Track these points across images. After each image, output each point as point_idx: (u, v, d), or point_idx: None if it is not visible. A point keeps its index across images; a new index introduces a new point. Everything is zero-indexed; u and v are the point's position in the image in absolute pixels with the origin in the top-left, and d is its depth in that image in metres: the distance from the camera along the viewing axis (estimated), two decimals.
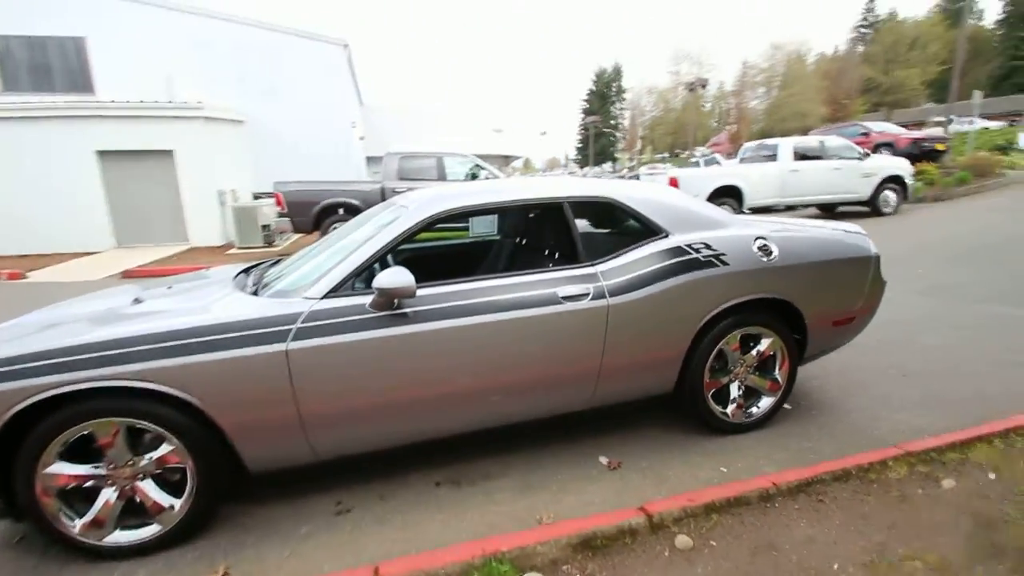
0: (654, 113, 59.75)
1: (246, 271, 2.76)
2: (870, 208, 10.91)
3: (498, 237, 3.56)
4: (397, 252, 2.97)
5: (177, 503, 2.00)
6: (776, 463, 2.34)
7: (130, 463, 1.94)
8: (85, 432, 1.85)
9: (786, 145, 10.94)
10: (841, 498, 2.01)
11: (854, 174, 10.81)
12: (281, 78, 14.76)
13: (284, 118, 14.81)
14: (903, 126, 19.55)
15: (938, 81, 43.59)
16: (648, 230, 2.50)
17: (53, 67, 14.01)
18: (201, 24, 14.29)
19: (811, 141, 11.40)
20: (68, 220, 11.70)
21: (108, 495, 1.95)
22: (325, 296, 2.05)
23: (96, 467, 1.92)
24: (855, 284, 2.77)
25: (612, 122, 61.77)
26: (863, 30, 51.87)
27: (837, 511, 1.96)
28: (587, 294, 2.28)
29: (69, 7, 13.50)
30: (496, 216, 3.53)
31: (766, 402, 2.72)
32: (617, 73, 64.91)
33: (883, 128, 16.79)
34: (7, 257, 11.24)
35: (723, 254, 2.47)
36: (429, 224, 2.24)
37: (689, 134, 35.17)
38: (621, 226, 2.77)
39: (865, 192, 10.88)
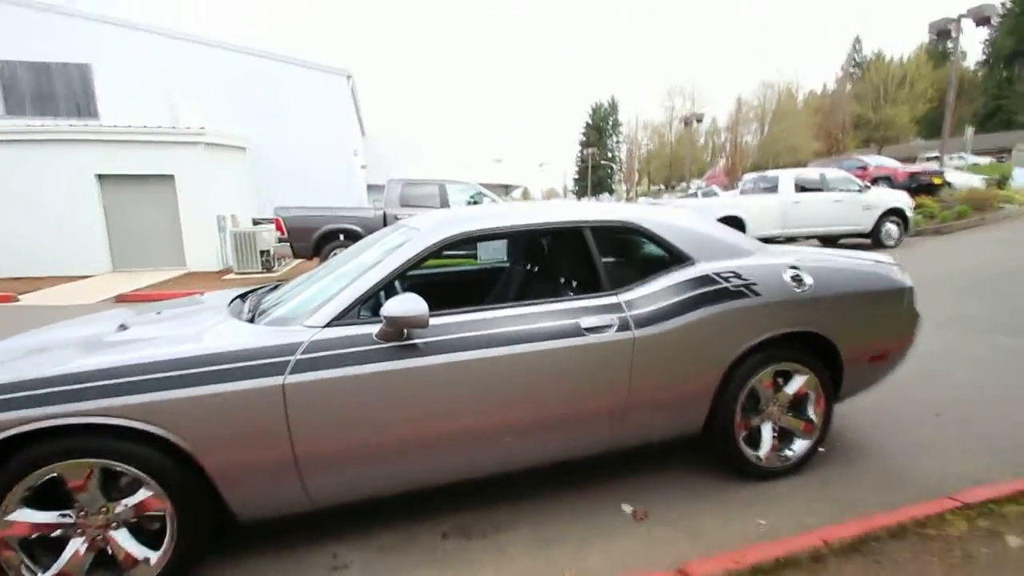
0: (649, 147, 60.80)
1: (243, 296, 2.58)
2: (872, 241, 10.88)
3: (508, 264, 3.41)
4: (404, 279, 2.81)
5: (154, 556, 1.77)
6: (820, 515, 2.13)
7: (103, 510, 1.72)
8: (53, 474, 1.64)
9: (787, 177, 10.97)
10: (901, 559, 1.79)
11: (855, 206, 10.82)
12: (284, 107, 14.88)
13: (287, 146, 14.87)
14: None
15: (925, 118, 44.70)
16: (673, 257, 2.35)
17: (57, 92, 14.10)
18: (205, 53, 14.48)
19: (812, 173, 11.45)
20: (66, 243, 11.56)
21: (77, 545, 1.72)
22: (329, 324, 1.87)
23: (64, 514, 1.70)
24: (891, 318, 2.61)
25: (609, 154, 62.75)
26: (851, 69, 53.41)
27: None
28: (611, 325, 2.11)
29: (75, 33, 13.68)
30: (507, 242, 3.38)
31: (801, 445, 2.52)
32: (613, 108, 66.28)
33: (880, 162, 17.00)
34: (3, 280, 11.04)
35: (754, 283, 2.31)
36: (441, 248, 2.08)
37: (684, 167, 35.50)
38: (643, 253, 2.61)
39: (867, 224, 10.86)
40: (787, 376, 2.46)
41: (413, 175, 10.15)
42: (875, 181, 14.53)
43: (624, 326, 2.12)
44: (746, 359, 2.32)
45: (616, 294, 2.20)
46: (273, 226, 9.89)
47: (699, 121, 28.06)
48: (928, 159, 23.61)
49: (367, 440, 1.86)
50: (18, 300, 8.62)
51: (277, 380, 1.74)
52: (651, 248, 2.43)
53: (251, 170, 14.46)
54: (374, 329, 1.87)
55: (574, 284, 2.45)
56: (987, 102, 46.06)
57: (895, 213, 10.98)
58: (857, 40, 55.14)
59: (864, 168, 16.02)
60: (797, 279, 2.40)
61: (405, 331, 1.87)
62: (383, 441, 1.88)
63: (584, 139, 65.26)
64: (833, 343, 2.46)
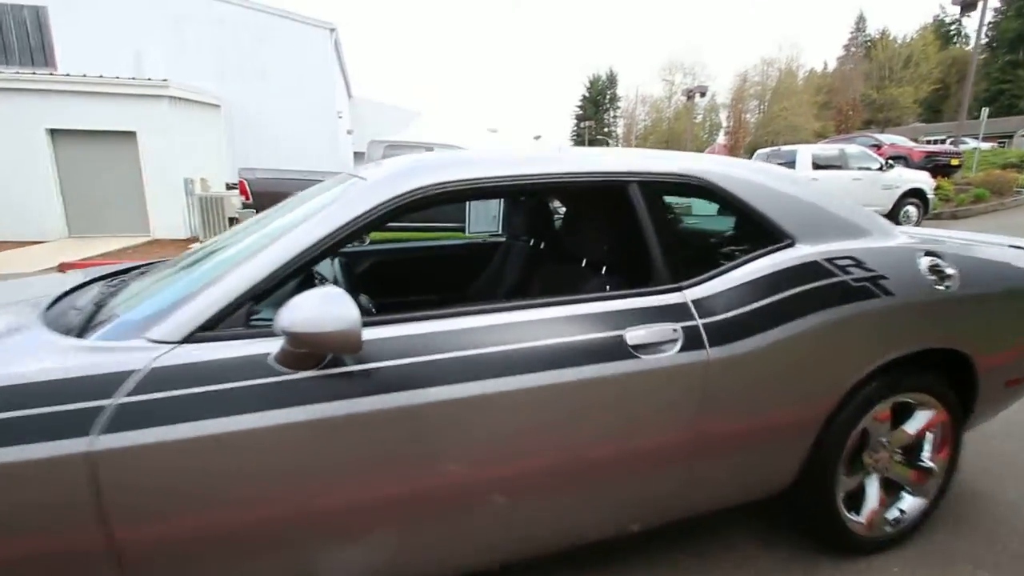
0: (646, 122, 59.37)
1: (91, 283, 1.69)
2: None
3: (504, 239, 2.57)
4: (339, 259, 1.98)
5: None
6: None
7: None
8: None
9: (805, 153, 10.21)
10: None
11: (875, 186, 10.14)
12: (263, 62, 13.70)
13: (266, 105, 13.75)
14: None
15: (926, 100, 43.84)
16: (764, 234, 1.55)
17: (9, 38, 12.79)
18: None
19: (831, 149, 10.72)
20: (16, 205, 10.50)
21: None
22: (190, 338, 1.06)
23: None
24: None
25: (606, 129, 61.28)
26: (854, 48, 52.15)
27: None
28: (674, 340, 1.32)
29: None
30: (503, 204, 2.52)
31: (913, 503, 1.79)
32: (611, 81, 64.43)
33: (894, 140, 16.20)
34: None
35: (883, 277, 1.53)
36: (397, 209, 1.26)
37: (682, 144, 34.40)
38: (718, 226, 1.80)
39: (886, 205, 10.18)
40: (909, 410, 1.70)
41: (399, 136, 9.18)
42: (888, 161, 13.82)
43: (693, 341, 1.34)
44: (863, 387, 1.55)
45: (680, 289, 1.40)
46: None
47: (703, 95, 26.96)
48: (929, 142, 22.85)
49: (248, 527, 1.07)
50: None
51: (76, 445, 0.93)
52: (728, 218, 1.63)
53: (226, 131, 13.33)
54: (273, 348, 1.07)
55: (611, 272, 1.63)
56: (989, 86, 45.31)
57: (915, 194, 10.33)
58: (861, 18, 53.80)
59: (878, 147, 15.25)
60: (937, 271, 1.62)
61: (327, 354, 1.06)
62: (284, 538, 1.10)
63: (581, 112, 63.53)
64: (972, 362, 1.70)
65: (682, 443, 1.39)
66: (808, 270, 1.48)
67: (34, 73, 11.15)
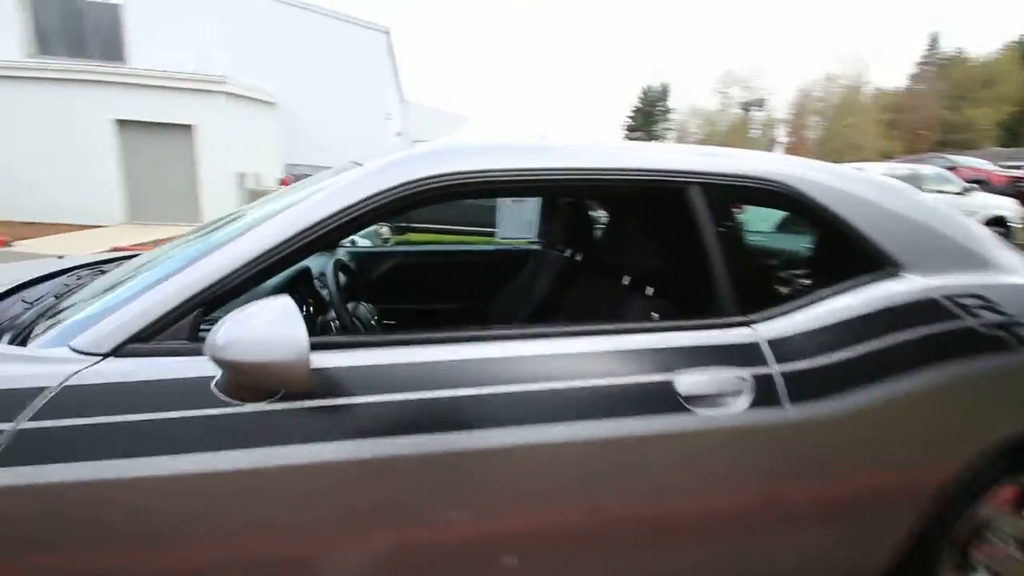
0: (699, 136, 57.96)
1: (52, 276, 1.47)
2: None
3: (539, 247, 2.30)
4: (365, 263, 1.76)
5: None
6: None
7: None
8: None
9: (873, 172, 9.49)
10: None
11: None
12: (317, 63, 14.02)
13: (317, 105, 14.05)
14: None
15: (1005, 123, 40.81)
16: (860, 257, 1.22)
17: (87, 33, 13.58)
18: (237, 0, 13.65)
19: (901, 169, 9.96)
20: (81, 190, 11.08)
21: None
22: (118, 351, 0.84)
23: None
24: None
25: (657, 142, 60.28)
26: (925, 67, 49.42)
27: None
28: (741, 391, 1.01)
29: None
30: (546, 207, 2.24)
31: None
32: (664, 92, 63.29)
33: (971, 163, 15.00)
34: (15, 223, 10.68)
35: (1020, 325, 1.16)
36: (388, 204, 1.01)
37: None
38: (800, 245, 1.47)
39: None
40: None
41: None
42: (968, 184, 12.76)
43: (767, 394, 1.03)
44: (985, 461, 1.19)
45: (750, 323, 1.09)
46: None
47: (760, 108, 25.91)
48: (1010, 167, 21.12)
49: None
50: (11, 245, 8.05)
51: None
52: (818, 235, 1.31)
53: (279, 128, 13.67)
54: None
55: (660, 295, 1.33)
56: None
57: (997, 222, 9.43)
58: (934, 37, 50.88)
59: (953, 169, 14.11)
60: None
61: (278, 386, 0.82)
62: None
63: (631, 122, 62.64)
64: None
65: (741, 514, 1.08)
66: (924, 309, 1.14)
67: (104, 67, 11.74)
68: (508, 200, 2.28)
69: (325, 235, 0.95)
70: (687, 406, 0.99)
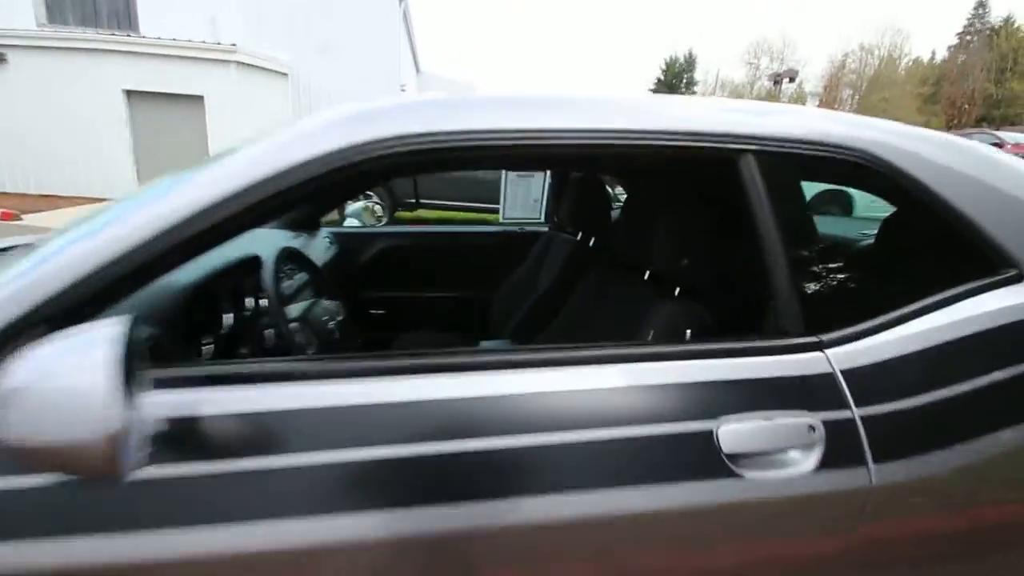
0: None
1: None
2: None
3: (548, 229, 1.99)
4: (351, 246, 1.50)
5: None
6: None
7: None
8: None
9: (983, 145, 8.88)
10: None
11: None
12: (331, 32, 13.62)
13: (330, 74, 13.72)
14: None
15: None
16: (975, 256, 0.90)
17: (98, 2, 13.32)
18: None
19: None
20: (92, 162, 11.03)
21: None
22: None
23: None
24: None
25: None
26: (967, 37, 46.58)
27: None
28: (808, 445, 0.72)
29: None
30: (554, 183, 1.93)
31: None
32: (689, 63, 61.08)
33: (1018, 139, 14.06)
34: (30, 196, 10.72)
35: None
36: (324, 175, 0.73)
37: None
38: (888, 233, 1.14)
39: None
40: None
41: None
42: None
43: (844, 449, 0.73)
44: None
45: (820, 345, 0.79)
46: None
47: (792, 80, 24.70)
48: None
49: None
50: (20, 219, 7.99)
51: None
52: (910, 221, 0.98)
53: (293, 100, 13.38)
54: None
55: (691, 298, 1.02)
56: None
57: None
58: (981, 4, 47.73)
59: (999, 145, 13.26)
60: None
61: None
62: None
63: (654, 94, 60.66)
64: None
65: None
66: None
67: (113, 35, 11.52)
68: (513, 174, 1.97)
69: (213, 228, 0.68)
70: (733, 467, 0.71)
